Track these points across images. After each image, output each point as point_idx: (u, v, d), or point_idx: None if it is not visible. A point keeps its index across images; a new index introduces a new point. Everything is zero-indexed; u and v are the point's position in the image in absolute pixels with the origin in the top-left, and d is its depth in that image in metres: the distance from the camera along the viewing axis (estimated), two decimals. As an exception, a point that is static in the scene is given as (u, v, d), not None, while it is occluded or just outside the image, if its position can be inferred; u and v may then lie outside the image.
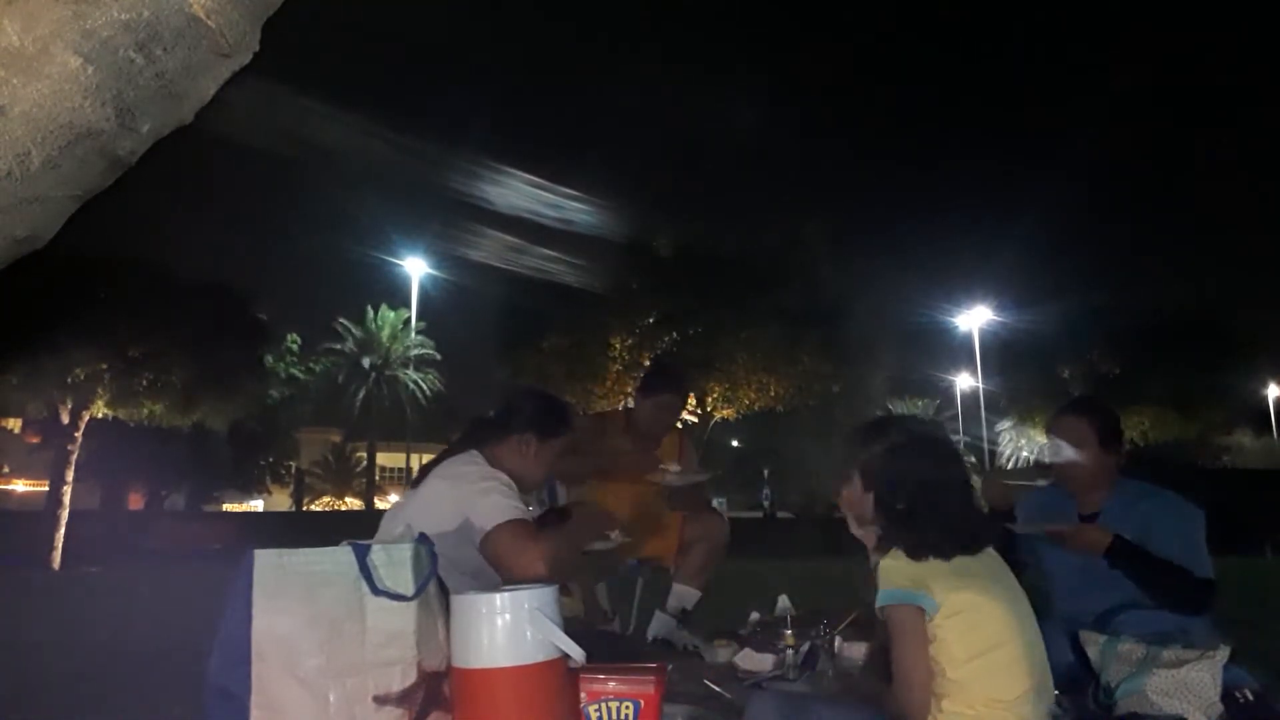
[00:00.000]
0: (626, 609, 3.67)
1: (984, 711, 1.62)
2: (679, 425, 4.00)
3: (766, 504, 30.04)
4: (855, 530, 2.18)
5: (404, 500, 2.46)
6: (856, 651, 2.49)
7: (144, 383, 17.73)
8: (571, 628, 1.73)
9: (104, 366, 17.11)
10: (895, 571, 1.70)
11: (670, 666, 2.17)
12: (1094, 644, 2.14)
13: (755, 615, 3.10)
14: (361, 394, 36.53)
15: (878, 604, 1.71)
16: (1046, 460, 2.56)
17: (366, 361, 37.03)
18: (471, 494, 2.23)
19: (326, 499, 40.09)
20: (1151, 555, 2.30)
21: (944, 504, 1.75)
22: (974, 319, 29.61)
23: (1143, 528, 2.36)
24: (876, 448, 1.90)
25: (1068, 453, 2.48)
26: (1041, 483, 2.49)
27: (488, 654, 1.64)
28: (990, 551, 1.79)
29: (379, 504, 35.49)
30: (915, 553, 1.70)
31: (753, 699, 1.88)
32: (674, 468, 3.44)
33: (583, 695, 1.74)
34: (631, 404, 3.71)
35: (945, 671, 1.66)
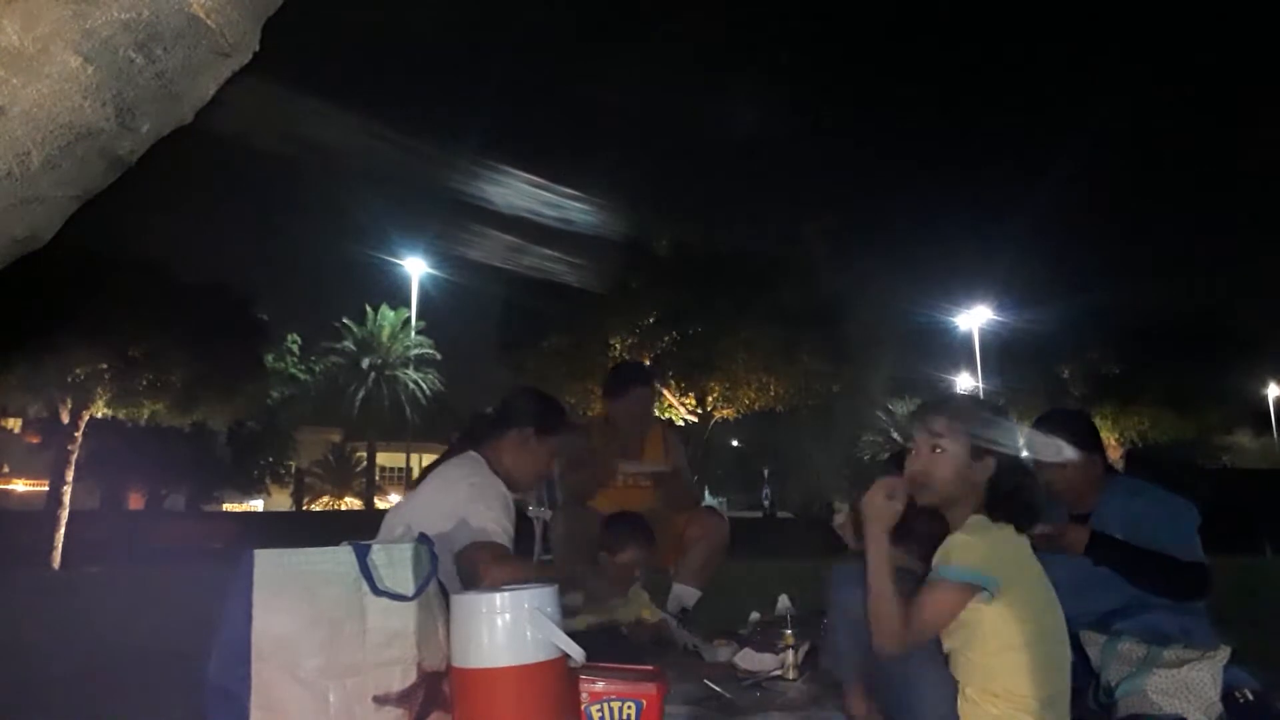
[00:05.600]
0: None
1: (1006, 708, 1.65)
2: (665, 419, 4.02)
3: (766, 504, 30.04)
4: (853, 533, 2.14)
5: (404, 501, 2.48)
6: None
7: (144, 383, 17.71)
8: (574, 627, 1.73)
9: (104, 366, 17.10)
10: (971, 550, 1.71)
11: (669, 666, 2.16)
12: (1094, 644, 2.14)
13: (755, 615, 3.11)
14: (361, 394, 36.49)
15: (939, 574, 1.71)
16: (1040, 460, 2.57)
17: (366, 361, 37.01)
18: (469, 501, 2.27)
19: (326, 499, 40.05)
20: (1132, 546, 2.31)
21: (1034, 478, 1.87)
22: (974, 319, 29.61)
23: (1133, 525, 2.38)
24: (992, 419, 1.88)
25: (1051, 464, 2.49)
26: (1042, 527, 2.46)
27: (488, 654, 1.64)
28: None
29: (379, 504, 35.45)
30: (1018, 521, 1.78)
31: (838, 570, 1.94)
32: (631, 466, 3.50)
33: (585, 695, 1.74)
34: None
35: (969, 654, 1.70)
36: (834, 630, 2.02)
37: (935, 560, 1.74)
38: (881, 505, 1.81)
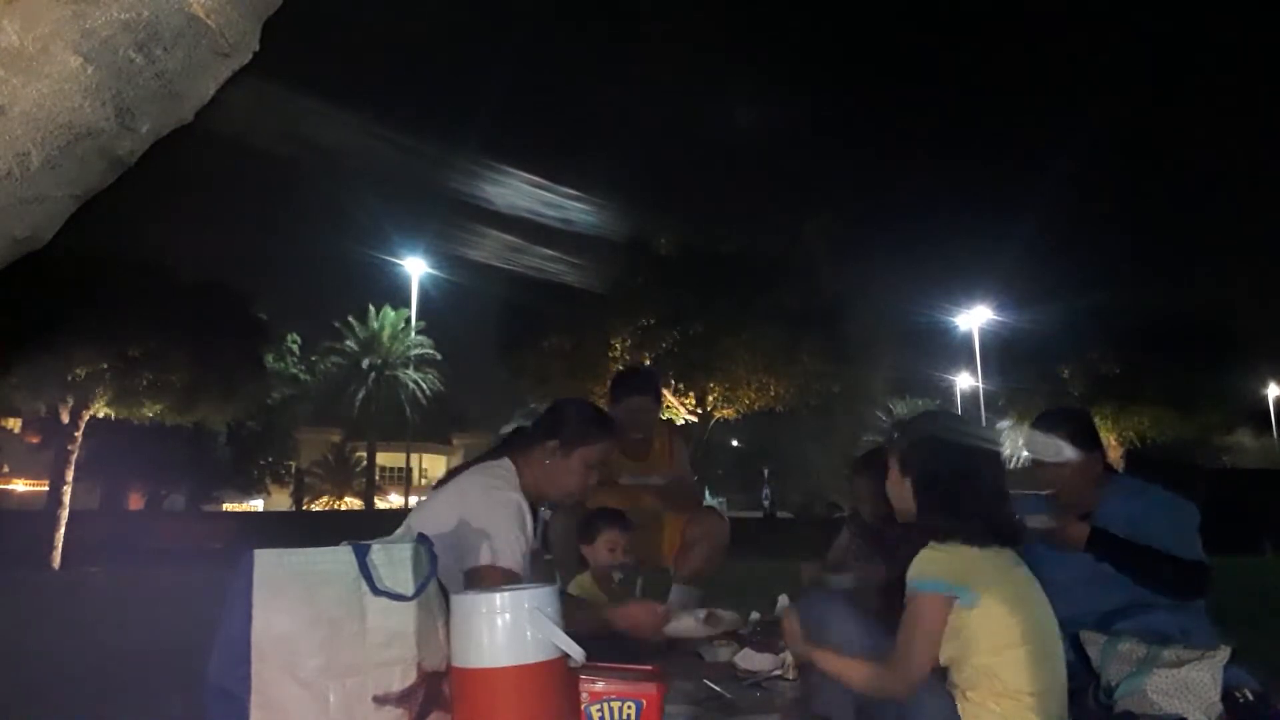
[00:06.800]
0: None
1: (1009, 706, 1.66)
2: (673, 423, 4.02)
3: (766, 504, 30.07)
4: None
5: (426, 500, 2.47)
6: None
7: (144, 382, 17.71)
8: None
9: (104, 366, 17.10)
10: (937, 563, 1.72)
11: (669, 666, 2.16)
12: (1095, 644, 2.14)
13: (755, 615, 3.11)
14: (361, 394, 36.56)
15: (911, 590, 1.72)
16: (1040, 458, 2.57)
17: (366, 361, 37.05)
18: (484, 514, 2.23)
19: (326, 499, 40.05)
20: (1132, 543, 2.31)
21: (979, 491, 1.80)
22: (974, 319, 29.65)
23: (1133, 524, 2.38)
24: (913, 435, 1.94)
25: (1051, 463, 2.50)
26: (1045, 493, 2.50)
27: (488, 654, 1.63)
28: (1017, 555, 1.82)
29: (379, 504, 35.46)
30: (947, 537, 1.73)
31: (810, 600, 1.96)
32: (632, 479, 3.48)
33: (585, 695, 1.73)
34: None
35: (970, 660, 1.70)
36: (817, 670, 1.97)
37: (908, 577, 1.74)
38: (789, 630, 1.97)
